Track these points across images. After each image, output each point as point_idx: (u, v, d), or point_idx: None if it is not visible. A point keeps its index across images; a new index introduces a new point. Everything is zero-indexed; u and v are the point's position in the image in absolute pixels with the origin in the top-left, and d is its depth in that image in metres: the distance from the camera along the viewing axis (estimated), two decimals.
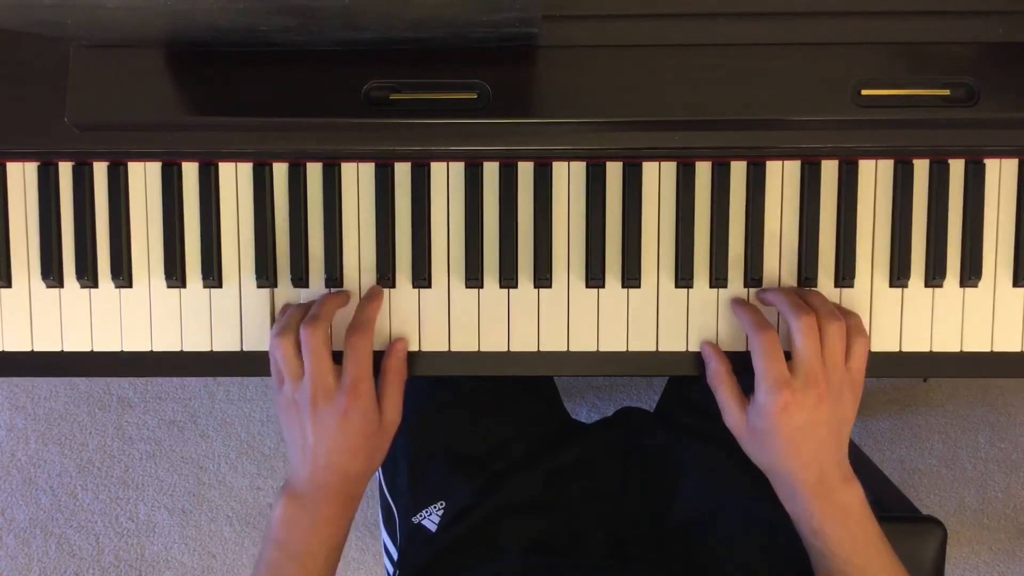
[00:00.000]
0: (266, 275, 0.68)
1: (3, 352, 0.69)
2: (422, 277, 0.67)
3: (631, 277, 0.67)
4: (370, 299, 0.66)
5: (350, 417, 0.61)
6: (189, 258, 0.68)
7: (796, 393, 0.60)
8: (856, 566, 0.60)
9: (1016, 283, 0.67)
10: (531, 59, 0.63)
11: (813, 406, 0.60)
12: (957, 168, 0.67)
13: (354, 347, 0.63)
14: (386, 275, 0.67)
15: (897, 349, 0.68)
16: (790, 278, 0.68)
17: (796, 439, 0.60)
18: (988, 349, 0.68)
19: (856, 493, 0.62)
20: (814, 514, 0.61)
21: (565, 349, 0.68)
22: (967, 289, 0.67)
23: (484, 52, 0.63)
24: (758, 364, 0.61)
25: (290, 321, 0.64)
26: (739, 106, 0.63)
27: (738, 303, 0.66)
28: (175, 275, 0.68)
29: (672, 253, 0.67)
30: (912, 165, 0.67)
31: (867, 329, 0.67)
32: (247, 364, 0.68)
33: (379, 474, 0.87)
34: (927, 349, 0.68)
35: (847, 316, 0.64)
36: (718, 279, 0.67)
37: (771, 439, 0.61)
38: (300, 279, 0.68)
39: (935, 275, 0.67)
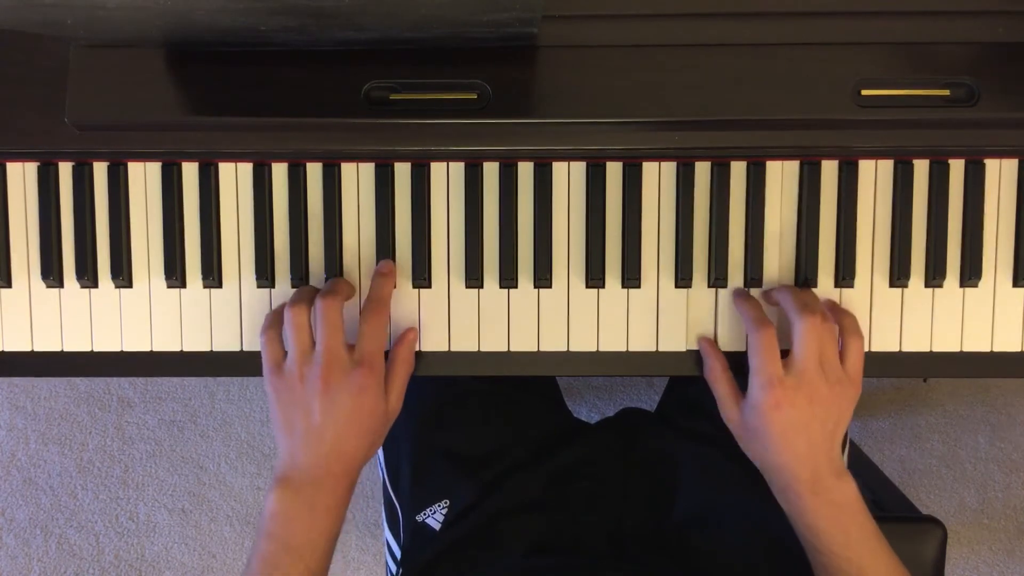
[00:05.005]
0: (266, 275, 0.68)
1: (3, 352, 0.69)
2: (422, 277, 0.67)
3: (631, 277, 0.67)
4: (384, 275, 0.65)
5: (366, 393, 0.60)
6: (189, 258, 0.68)
7: (788, 391, 0.60)
8: (851, 561, 0.60)
9: (1016, 283, 0.67)
10: (531, 59, 0.63)
11: (805, 404, 0.60)
12: (957, 168, 0.67)
13: (372, 322, 0.62)
14: None
15: (897, 349, 0.68)
16: (790, 278, 0.68)
17: (788, 436, 0.61)
18: (988, 349, 0.68)
19: (849, 488, 0.62)
20: (807, 510, 0.61)
21: (565, 349, 0.68)
22: (967, 289, 0.67)
23: (484, 52, 0.63)
24: (754, 360, 0.61)
25: (303, 294, 0.63)
26: (739, 106, 0.63)
27: (740, 296, 0.66)
28: (175, 275, 0.68)
29: (672, 253, 0.67)
30: (912, 165, 0.67)
31: (866, 329, 0.67)
32: (247, 364, 0.68)
33: (383, 472, 0.87)
34: (927, 349, 0.68)
35: (842, 316, 0.65)
36: (718, 279, 0.67)
37: (764, 435, 0.61)
38: (300, 279, 0.68)
39: (935, 275, 0.67)
